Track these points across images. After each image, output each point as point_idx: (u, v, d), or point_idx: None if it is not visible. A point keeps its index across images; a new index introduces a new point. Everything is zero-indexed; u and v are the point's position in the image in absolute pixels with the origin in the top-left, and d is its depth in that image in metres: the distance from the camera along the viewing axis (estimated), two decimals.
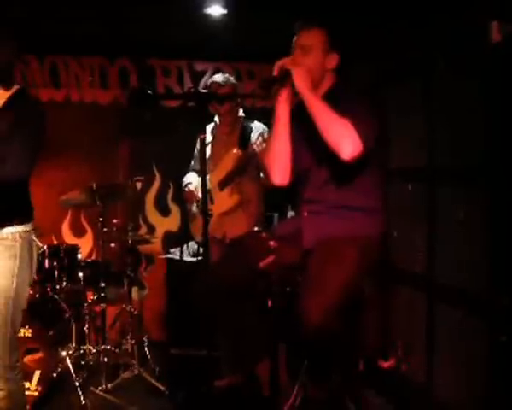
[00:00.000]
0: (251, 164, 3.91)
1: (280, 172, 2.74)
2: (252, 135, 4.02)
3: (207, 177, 4.02)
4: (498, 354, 2.75)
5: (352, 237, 2.52)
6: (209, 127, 4.19)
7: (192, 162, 4.33)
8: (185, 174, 4.28)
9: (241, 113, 4.18)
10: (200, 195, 4.05)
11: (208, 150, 4.14)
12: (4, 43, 2.60)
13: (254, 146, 3.84)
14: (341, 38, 2.72)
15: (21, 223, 2.66)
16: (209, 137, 4.17)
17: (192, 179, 4.19)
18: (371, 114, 2.53)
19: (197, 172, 4.25)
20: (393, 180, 3.81)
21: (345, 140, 2.41)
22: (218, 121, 4.17)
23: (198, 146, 4.12)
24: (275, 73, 2.56)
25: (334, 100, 2.53)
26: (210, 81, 4.12)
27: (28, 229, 2.69)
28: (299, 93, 2.52)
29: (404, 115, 3.75)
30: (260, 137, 3.92)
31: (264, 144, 3.74)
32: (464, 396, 3.05)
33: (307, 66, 2.57)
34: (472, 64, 2.95)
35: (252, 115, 4.21)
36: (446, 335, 3.25)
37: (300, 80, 2.50)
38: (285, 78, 2.54)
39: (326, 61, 2.66)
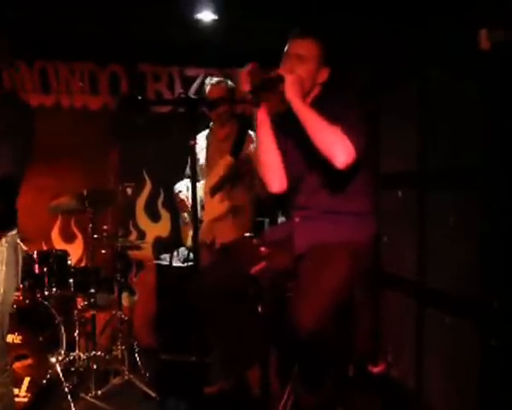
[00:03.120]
0: (243, 171, 3.92)
1: (276, 180, 2.75)
2: (247, 144, 4.02)
3: (201, 183, 4.04)
4: (489, 357, 2.75)
5: (343, 242, 2.51)
6: (204, 133, 4.19)
7: (187, 169, 4.32)
8: (178, 181, 4.28)
9: (236, 120, 4.18)
10: (190, 202, 4.06)
11: (203, 156, 4.15)
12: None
13: (248, 156, 3.85)
14: (338, 43, 2.72)
15: (7, 227, 2.65)
16: (204, 143, 4.17)
17: (182, 187, 4.19)
18: (360, 119, 2.52)
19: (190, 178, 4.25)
20: (384, 185, 3.82)
21: (338, 148, 2.41)
22: (212, 127, 4.18)
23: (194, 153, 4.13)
24: (243, 82, 2.57)
25: (323, 106, 2.53)
26: (207, 80, 4.12)
27: (14, 233, 2.69)
28: (289, 100, 2.51)
29: (397, 119, 3.76)
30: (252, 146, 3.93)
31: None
32: (454, 401, 3.06)
33: (300, 74, 2.57)
34: (465, 68, 2.97)
35: (242, 120, 4.21)
36: (436, 339, 3.26)
37: (292, 87, 2.49)
38: (272, 84, 2.54)
39: (318, 74, 2.65)
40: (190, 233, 4.10)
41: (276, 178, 2.74)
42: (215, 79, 4.09)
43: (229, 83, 4.13)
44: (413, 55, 3.53)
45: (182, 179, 4.29)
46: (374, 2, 3.73)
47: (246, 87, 2.58)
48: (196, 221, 2.41)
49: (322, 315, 2.29)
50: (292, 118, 2.52)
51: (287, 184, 2.75)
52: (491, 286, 2.75)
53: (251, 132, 4.07)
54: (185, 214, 4.17)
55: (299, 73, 2.58)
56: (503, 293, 2.70)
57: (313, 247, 2.54)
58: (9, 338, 3.58)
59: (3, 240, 2.62)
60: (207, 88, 4.06)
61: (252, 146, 4.00)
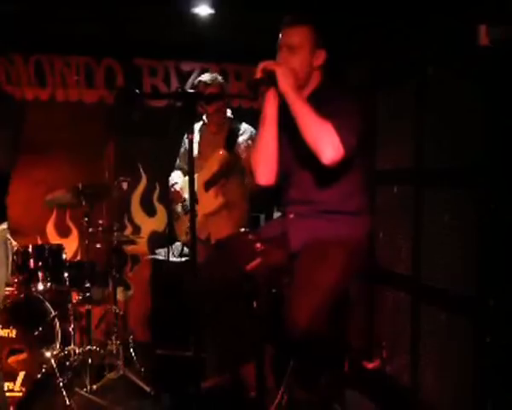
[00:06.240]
0: (237, 166, 3.90)
1: (266, 172, 2.74)
2: (239, 137, 4.02)
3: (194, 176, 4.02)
4: (483, 354, 2.77)
5: (339, 240, 2.52)
6: (197, 126, 4.17)
7: (178, 160, 4.31)
8: (171, 173, 4.28)
9: (228, 113, 4.17)
10: (185, 195, 4.05)
11: (195, 149, 4.12)
12: None
13: (239, 149, 3.84)
14: (329, 35, 2.70)
15: None
16: (196, 136, 4.15)
17: (177, 179, 4.18)
18: (356, 116, 2.51)
19: (182, 170, 4.25)
20: (381, 181, 3.82)
21: (326, 145, 2.40)
22: (205, 120, 4.16)
23: (186, 145, 4.11)
24: (258, 74, 2.55)
25: (320, 100, 2.52)
26: (197, 80, 4.11)
27: (3, 227, 2.67)
28: (282, 94, 2.51)
29: (395, 116, 3.76)
30: (249, 141, 3.92)
31: (249, 148, 3.75)
32: (449, 397, 3.07)
33: (293, 66, 2.55)
34: (464, 65, 2.97)
35: (239, 116, 4.21)
36: (431, 336, 3.27)
37: (284, 81, 2.48)
38: (271, 78, 2.53)
39: (313, 58, 2.63)
40: (184, 228, 4.09)
41: (267, 170, 2.74)
42: (206, 77, 4.06)
43: (220, 79, 4.11)
44: (412, 54, 3.52)
45: (173, 171, 4.28)
46: (372, 1, 3.72)
47: (258, 75, 2.55)
48: (193, 215, 2.40)
49: (318, 313, 2.29)
50: (285, 111, 2.52)
51: (275, 179, 2.75)
52: (487, 284, 2.76)
53: (243, 125, 4.07)
54: (178, 207, 4.16)
55: (293, 63, 2.57)
56: (498, 291, 2.71)
57: (308, 244, 2.54)
58: (4, 332, 3.58)
59: None
60: (200, 85, 4.03)
61: (241, 139, 4.00)
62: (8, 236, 2.75)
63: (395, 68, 3.81)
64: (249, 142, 3.94)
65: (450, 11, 3.09)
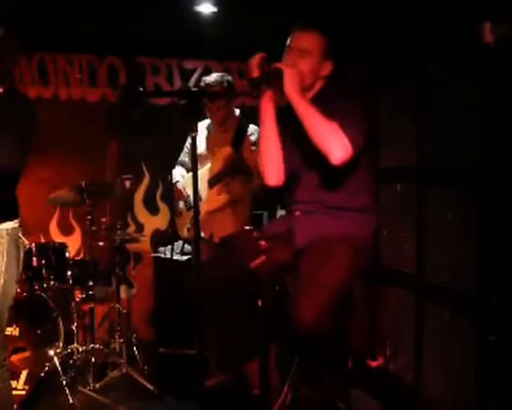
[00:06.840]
0: (243, 165, 3.89)
1: (274, 172, 2.72)
2: (247, 138, 3.99)
3: (199, 172, 4.01)
4: (487, 353, 2.76)
5: (344, 237, 2.51)
6: (205, 123, 4.16)
7: (181, 156, 4.29)
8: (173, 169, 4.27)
9: (237, 113, 4.15)
10: (188, 192, 4.04)
11: (202, 146, 4.11)
12: (11, 49, 2.64)
13: (245, 152, 3.83)
14: (338, 41, 2.70)
15: (9, 220, 2.64)
16: (204, 133, 4.14)
17: (179, 177, 4.17)
18: (360, 115, 2.51)
19: (185, 166, 4.24)
20: (384, 180, 3.82)
21: (334, 145, 2.40)
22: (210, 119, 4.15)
23: (190, 141, 4.11)
24: (255, 72, 2.53)
25: (323, 101, 2.51)
26: (202, 81, 4.09)
27: (15, 226, 2.68)
28: (288, 95, 2.49)
29: (396, 116, 3.76)
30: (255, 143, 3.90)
31: (253, 149, 3.74)
32: (453, 396, 3.07)
33: (302, 69, 2.54)
34: (465, 65, 2.96)
35: (242, 114, 4.20)
36: (435, 334, 3.26)
37: (291, 82, 2.47)
38: (272, 75, 2.52)
39: (321, 67, 2.63)
40: (185, 224, 4.09)
41: (274, 170, 2.72)
42: (211, 78, 4.04)
43: (227, 78, 4.09)
44: (412, 54, 3.52)
45: (174, 167, 4.28)
46: (372, 1, 3.71)
47: (255, 74, 2.55)
48: (197, 214, 2.39)
49: (323, 311, 2.28)
50: (291, 112, 2.51)
51: (284, 180, 2.74)
52: (490, 282, 2.76)
53: (251, 126, 4.06)
54: (180, 204, 4.15)
55: (301, 67, 2.56)
56: (501, 290, 2.71)
57: (314, 241, 2.54)
58: (7, 331, 3.58)
59: (4, 232, 2.61)
60: (204, 87, 4.02)
61: (252, 139, 3.99)
62: (20, 234, 2.75)
63: (395, 68, 3.81)
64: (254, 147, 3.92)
65: (450, 10, 3.08)
